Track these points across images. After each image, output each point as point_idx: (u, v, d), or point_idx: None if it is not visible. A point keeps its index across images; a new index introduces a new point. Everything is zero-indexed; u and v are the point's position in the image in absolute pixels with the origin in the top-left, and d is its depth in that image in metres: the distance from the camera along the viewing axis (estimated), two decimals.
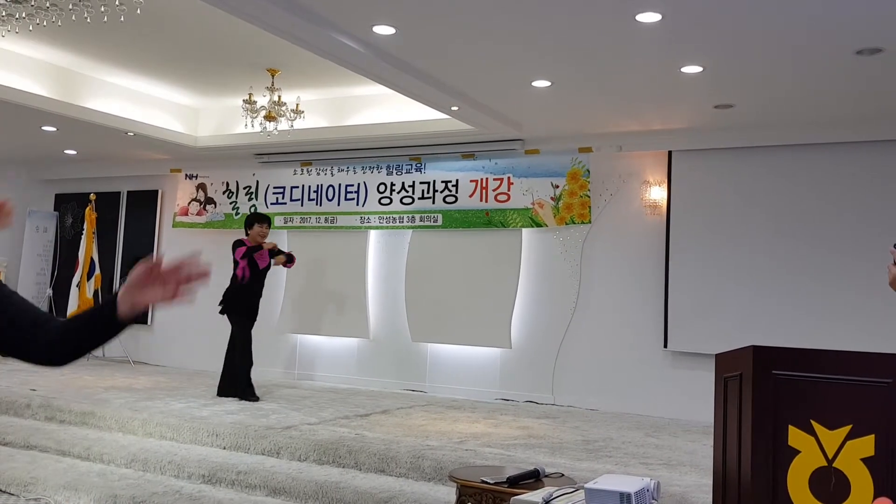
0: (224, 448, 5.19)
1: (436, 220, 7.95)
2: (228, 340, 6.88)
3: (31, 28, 5.42)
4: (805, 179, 6.57)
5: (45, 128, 8.13)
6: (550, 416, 6.62)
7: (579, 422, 6.34)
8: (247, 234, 6.86)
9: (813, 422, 2.25)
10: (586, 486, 2.69)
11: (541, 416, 6.54)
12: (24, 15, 5.16)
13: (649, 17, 4.45)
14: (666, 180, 7.11)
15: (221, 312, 6.82)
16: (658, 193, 7.17)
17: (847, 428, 2.23)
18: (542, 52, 5.16)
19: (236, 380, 6.69)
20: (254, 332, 6.85)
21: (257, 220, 6.88)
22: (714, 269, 6.80)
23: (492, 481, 3.26)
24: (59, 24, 5.37)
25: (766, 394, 2.30)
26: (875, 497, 2.13)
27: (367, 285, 8.32)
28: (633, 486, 2.63)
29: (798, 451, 2.26)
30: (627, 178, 7.31)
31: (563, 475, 3.49)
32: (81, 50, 6.83)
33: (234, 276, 6.83)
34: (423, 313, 7.97)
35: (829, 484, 2.21)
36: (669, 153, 7.09)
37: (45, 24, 5.25)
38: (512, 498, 3.00)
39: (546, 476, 3.38)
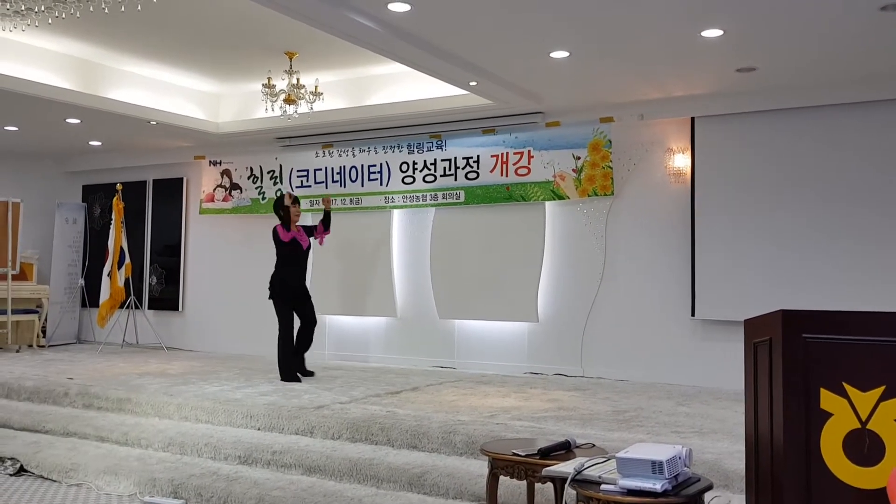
0: (258, 429, 5.28)
1: (458, 197, 7.94)
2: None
3: (50, 21, 5.46)
4: (831, 140, 6.45)
5: (69, 120, 8.22)
6: (580, 388, 6.63)
7: (609, 393, 6.34)
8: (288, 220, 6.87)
9: (845, 384, 2.24)
10: (618, 455, 2.70)
11: (570, 389, 6.55)
12: (42, 8, 5.21)
13: None
14: (689, 147, 7.02)
15: (270, 298, 6.89)
16: (682, 161, 7.09)
17: (880, 389, 2.20)
18: (559, 22, 5.10)
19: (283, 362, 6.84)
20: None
21: (294, 201, 6.94)
22: (741, 236, 6.72)
23: (523, 453, 3.28)
24: (78, 15, 5.40)
25: (797, 357, 2.28)
26: None
27: (392, 264, 8.36)
28: (664, 454, 2.63)
29: (831, 414, 2.24)
30: (650, 146, 7.24)
31: (594, 445, 3.50)
32: (100, 41, 6.88)
33: (278, 263, 6.89)
34: (449, 290, 8.00)
35: (864, 445, 2.20)
36: (692, 119, 6.99)
37: (63, 16, 5.29)
38: (544, 469, 3.02)
39: (577, 447, 3.39)
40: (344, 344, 8.64)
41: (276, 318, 6.84)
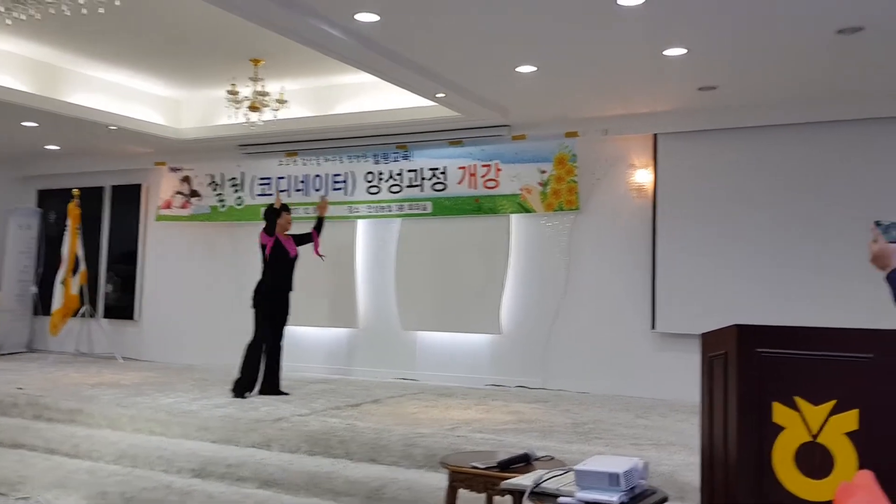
0: (214, 442, 5.18)
1: (425, 208, 7.92)
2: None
3: (9, 22, 5.35)
4: (790, 159, 6.58)
5: (25, 123, 8.05)
6: (541, 400, 6.64)
7: (570, 405, 6.36)
8: (273, 226, 6.67)
9: (797, 398, 2.26)
10: (576, 467, 2.69)
11: (532, 401, 6.56)
12: (2, 9, 5.10)
13: (631, 0, 4.43)
14: (652, 163, 7.11)
15: (253, 307, 6.64)
16: (644, 177, 7.18)
17: (831, 403, 2.24)
18: (526, 37, 5.14)
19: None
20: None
21: (284, 209, 6.76)
22: (700, 251, 6.82)
23: (482, 466, 3.27)
24: (38, 17, 5.29)
25: (751, 372, 2.31)
26: (858, 470, 2.14)
27: (356, 275, 8.31)
28: (622, 466, 2.63)
29: (783, 428, 2.27)
30: (614, 161, 7.31)
31: (553, 458, 3.50)
32: (61, 44, 6.76)
33: (265, 270, 6.68)
34: (412, 301, 7.97)
35: (814, 458, 2.22)
36: (655, 136, 7.09)
37: (23, 17, 5.18)
38: (502, 482, 3.00)
39: (536, 459, 3.39)
40: (305, 355, 8.53)
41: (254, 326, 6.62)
